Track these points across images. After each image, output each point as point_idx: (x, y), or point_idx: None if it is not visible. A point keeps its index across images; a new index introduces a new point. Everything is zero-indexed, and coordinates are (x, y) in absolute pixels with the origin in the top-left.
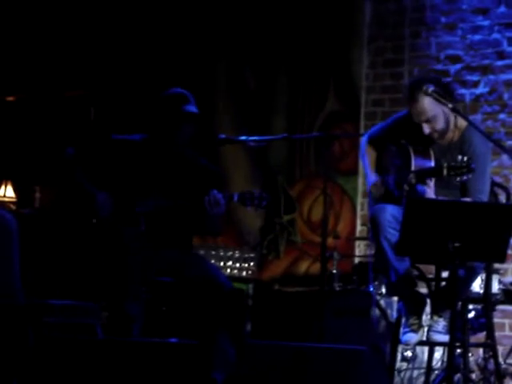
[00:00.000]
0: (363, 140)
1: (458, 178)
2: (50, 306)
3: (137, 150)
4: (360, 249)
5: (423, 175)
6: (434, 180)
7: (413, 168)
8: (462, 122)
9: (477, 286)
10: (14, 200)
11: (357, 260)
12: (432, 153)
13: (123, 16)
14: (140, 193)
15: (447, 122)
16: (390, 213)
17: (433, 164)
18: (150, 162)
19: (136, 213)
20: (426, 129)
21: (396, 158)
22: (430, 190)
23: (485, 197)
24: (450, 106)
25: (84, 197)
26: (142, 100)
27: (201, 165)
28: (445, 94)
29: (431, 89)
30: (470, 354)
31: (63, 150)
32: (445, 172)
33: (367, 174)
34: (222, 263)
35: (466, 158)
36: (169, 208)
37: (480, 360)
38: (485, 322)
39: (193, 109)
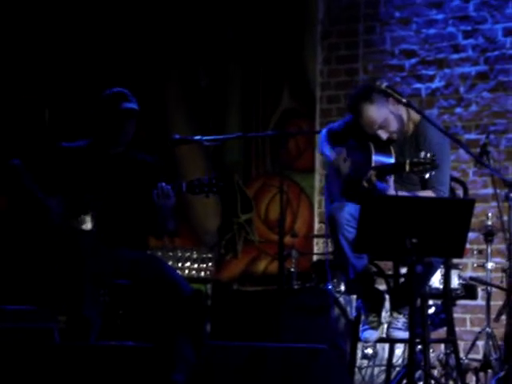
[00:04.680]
0: (323, 134)
1: (422, 175)
2: (6, 311)
3: (82, 155)
4: (318, 246)
5: (384, 171)
6: (393, 176)
7: (373, 164)
8: (416, 114)
9: (437, 281)
10: None
11: (315, 258)
12: (392, 149)
13: (76, 17)
14: (89, 197)
15: (400, 118)
16: (348, 211)
17: (393, 160)
18: (96, 166)
19: (86, 215)
20: (383, 134)
21: (355, 154)
22: (390, 187)
23: (445, 188)
24: (404, 100)
25: (35, 204)
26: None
27: (145, 161)
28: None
29: (385, 84)
30: (431, 350)
31: (8, 161)
32: (407, 168)
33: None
34: (179, 264)
35: (429, 155)
36: (117, 206)
37: (441, 356)
38: (445, 317)
39: (132, 105)
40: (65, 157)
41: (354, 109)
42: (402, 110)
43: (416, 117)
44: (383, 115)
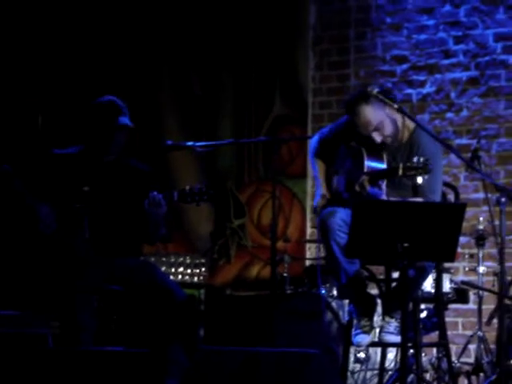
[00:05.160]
0: (312, 144)
1: (415, 179)
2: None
3: (74, 162)
4: (311, 251)
5: (377, 176)
6: (385, 182)
7: (365, 169)
8: (410, 122)
9: (428, 285)
10: None
11: (308, 262)
12: (385, 154)
13: (69, 24)
14: (81, 203)
15: (395, 123)
16: (340, 217)
17: (385, 165)
18: (88, 173)
19: (79, 221)
20: (378, 137)
21: (347, 159)
22: (382, 193)
23: (437, 196)
24: (396, 106)
25: (25, 210)
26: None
27: (136, 169)
28: (386, 96)
29: (376, 90)
30: (423, 354)
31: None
32: (400, 172)
33: (317, 185)
34: (173, 269)
35: (422, 159)
36: (109, 213)
37: (433, 359)
38: (437, 321)
39: (126, 121)
40: (57, 163)
41: (350, 109)
42: (398, 116)
43: (411, 124)
44: (379, 117)
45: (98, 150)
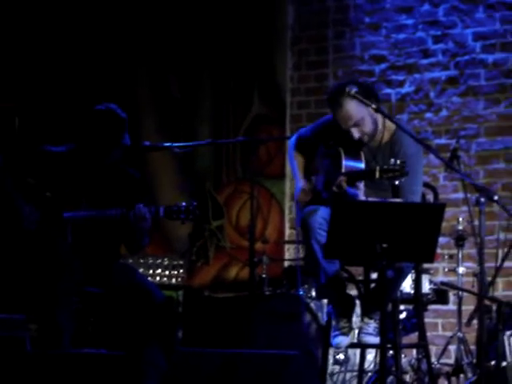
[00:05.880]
0: (292, 141)
1: (392, 182)
2: None
3: (64, 161)
4: (289, 252)
5: (354, 177)
6: (363, 182)
7: (343, 169)
8: (391, 123)
9: (408, 286)
10: None
11: (286, 264)
12: (363, 154)
13: (44, 22)
14: (67, 203)
15: (375, 122)
16: (321, 215)
17: (363, 166)
18: (78, 174)
19: (63, 223)
20: (356, 133)
21: (325, 159)
22: (360, 193)
23: (417, 197)
24: (374, 106)
25: (9, 208)
26: (65, 109)
27: (127, 173)
28: (368, 94)
29: (354, 90)
30: (402, 355)
31: None
32: (377, 175)
33: (296, 179)
34: (151, 271)
35: (399, 162)
36: (95, 220)
37: (413, 361)
38: (417, 322)
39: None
40: (45, 160)
41: (334, 100)
42: (379, 116)
43: (391, 126)
44: (361, 114)
45: (92, 153)
